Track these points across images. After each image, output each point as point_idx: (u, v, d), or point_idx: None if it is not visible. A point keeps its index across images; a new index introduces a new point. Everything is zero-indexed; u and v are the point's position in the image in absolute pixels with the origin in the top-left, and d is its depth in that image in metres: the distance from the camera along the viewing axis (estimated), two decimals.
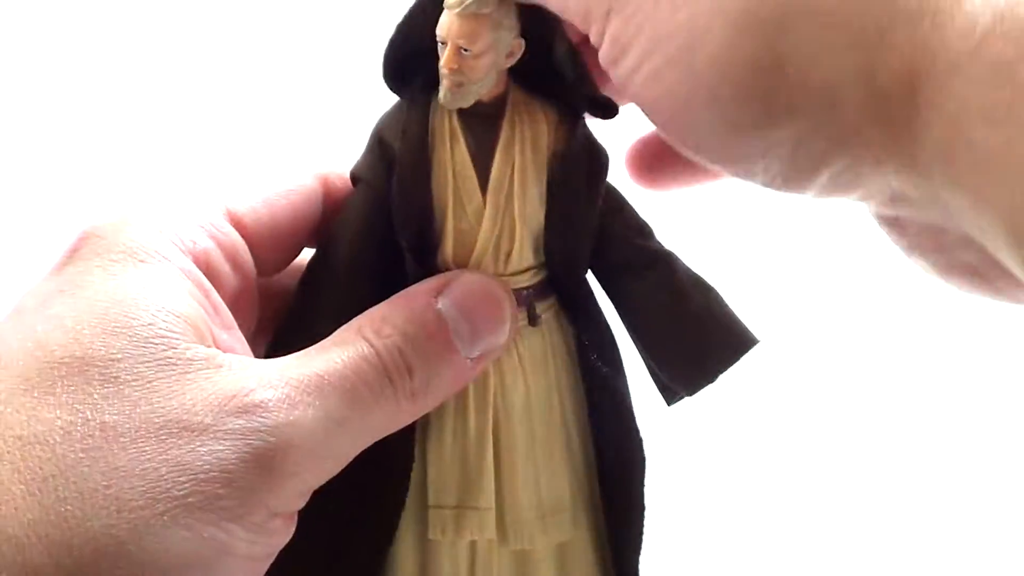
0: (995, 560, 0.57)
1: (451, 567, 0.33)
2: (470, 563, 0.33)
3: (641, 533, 0.33)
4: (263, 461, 0.26)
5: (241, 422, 0.26)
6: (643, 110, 0.29)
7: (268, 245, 0.32)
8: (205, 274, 0.29)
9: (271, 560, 0.27)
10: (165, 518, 0.24)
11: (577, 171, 0.31)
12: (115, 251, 0.28)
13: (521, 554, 0.33)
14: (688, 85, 0.26)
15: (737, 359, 0.33)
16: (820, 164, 0.26)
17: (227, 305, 0.30)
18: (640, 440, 0.34)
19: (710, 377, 0.33)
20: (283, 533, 0.27)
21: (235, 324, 0.30)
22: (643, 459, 0.34)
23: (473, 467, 0.32)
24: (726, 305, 0.33)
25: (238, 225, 0.31)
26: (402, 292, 0.31)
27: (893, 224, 0.29)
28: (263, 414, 0.26)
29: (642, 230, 0.33)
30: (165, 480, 0.25)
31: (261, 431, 0.26)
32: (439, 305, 0.30)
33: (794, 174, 0.27)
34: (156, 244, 0.29)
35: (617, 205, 0.33)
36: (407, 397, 0.29)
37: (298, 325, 0.32)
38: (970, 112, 0.23)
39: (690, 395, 0.34)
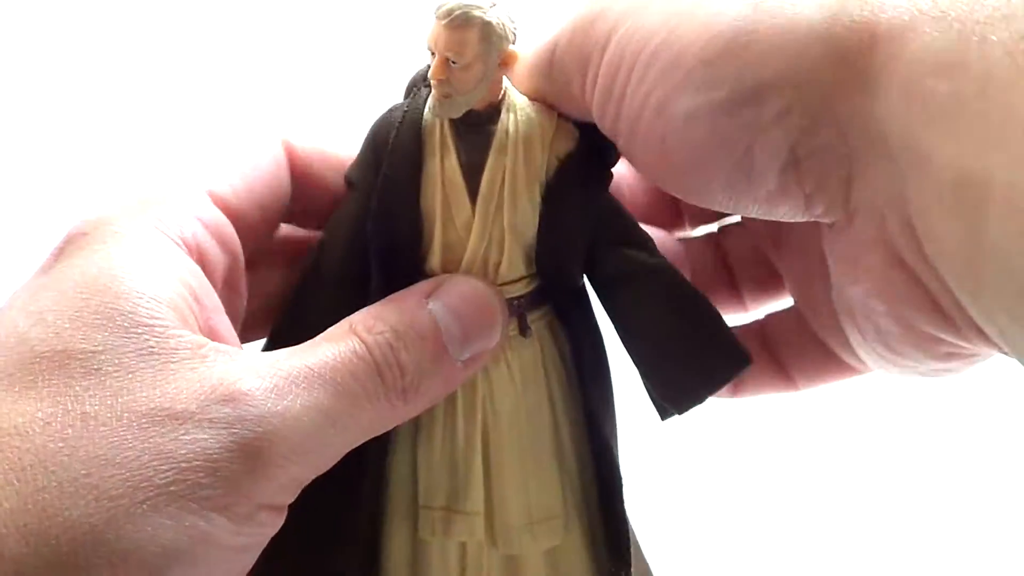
0: (994, 563, 0.56)
1: (441, 566, 0.32)
2: (460, 563, 0.32)
3: (628, 546, 0.32)
4: (248, 451, 0.25)
5: (226, 411, 0.25)
6: (636, 143, 0.29)
7: (250, 220, 0.32)
8: (194, 258, 0.29)
9: (258, 552, 0.27)
10: (145, 506, 0.24)
11: (574, 180, 0.30)
12: (97, 242, 0.28)
13: (511, 555, 0.32)
14: (668, 76, 0.27)
15: (727, 381, 0.32)
16: (789, 140, 0.26)
17: (218, 286, 0.30)
18: (615, 459, 0.33)
19: (698, 399, 0.32)
20: (270, 525, 0.26)
21: (222, 308, 0.30)
22: (619, 477, 0.32)
23: (461, 472, 0.32)
24: (721, 323, 0.32)
25: (221, 204, 0.31)
26: (394, 295, 0.30)
27: (847, 256, 0.28)
28: (249, 403, 0.26)
29: (639, 241, 0.32)
30: (146, 468, 0.24)
31: (247, 419, 0.25)
32: (430, 306, 0.30)
33: (764, 161, 0.26)
34: (140, 231, 0.28)
35: (614, 215, 0.32)
36: (398, 395, 0.29)
37: (290, 329, 0.31)
38: (921, 63, 0.23)
39: (679, 413, 0.32)
